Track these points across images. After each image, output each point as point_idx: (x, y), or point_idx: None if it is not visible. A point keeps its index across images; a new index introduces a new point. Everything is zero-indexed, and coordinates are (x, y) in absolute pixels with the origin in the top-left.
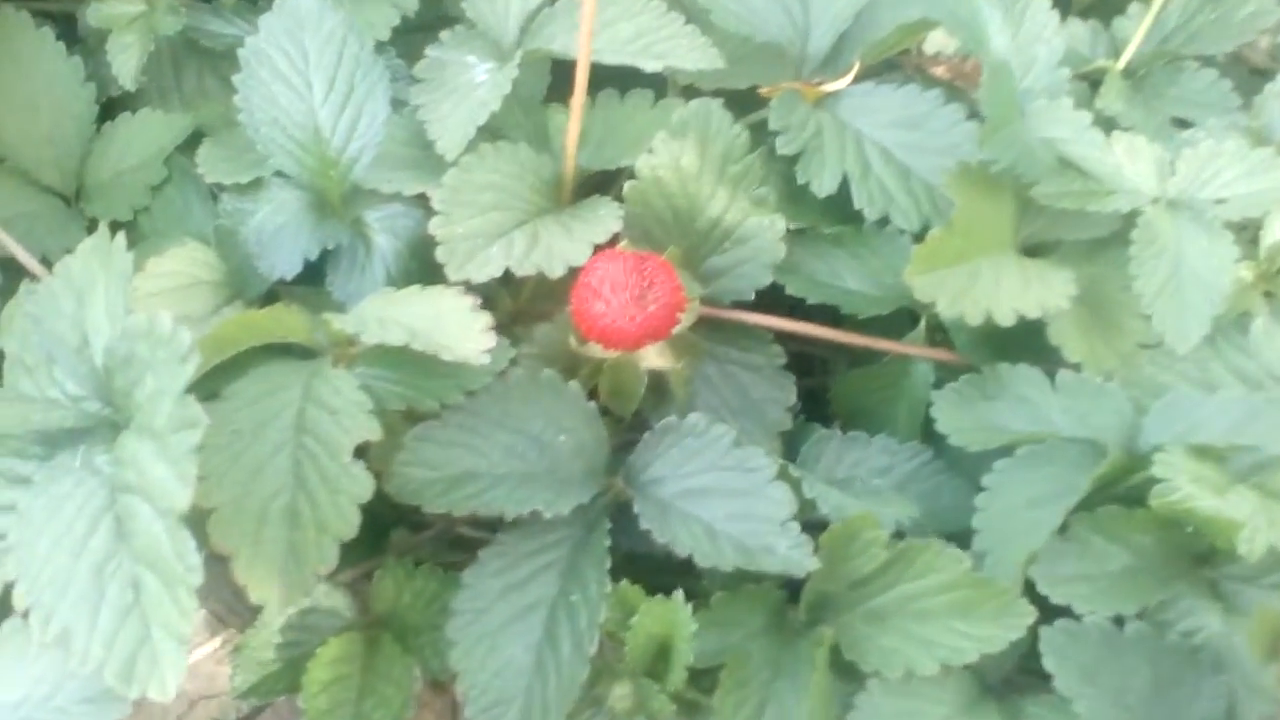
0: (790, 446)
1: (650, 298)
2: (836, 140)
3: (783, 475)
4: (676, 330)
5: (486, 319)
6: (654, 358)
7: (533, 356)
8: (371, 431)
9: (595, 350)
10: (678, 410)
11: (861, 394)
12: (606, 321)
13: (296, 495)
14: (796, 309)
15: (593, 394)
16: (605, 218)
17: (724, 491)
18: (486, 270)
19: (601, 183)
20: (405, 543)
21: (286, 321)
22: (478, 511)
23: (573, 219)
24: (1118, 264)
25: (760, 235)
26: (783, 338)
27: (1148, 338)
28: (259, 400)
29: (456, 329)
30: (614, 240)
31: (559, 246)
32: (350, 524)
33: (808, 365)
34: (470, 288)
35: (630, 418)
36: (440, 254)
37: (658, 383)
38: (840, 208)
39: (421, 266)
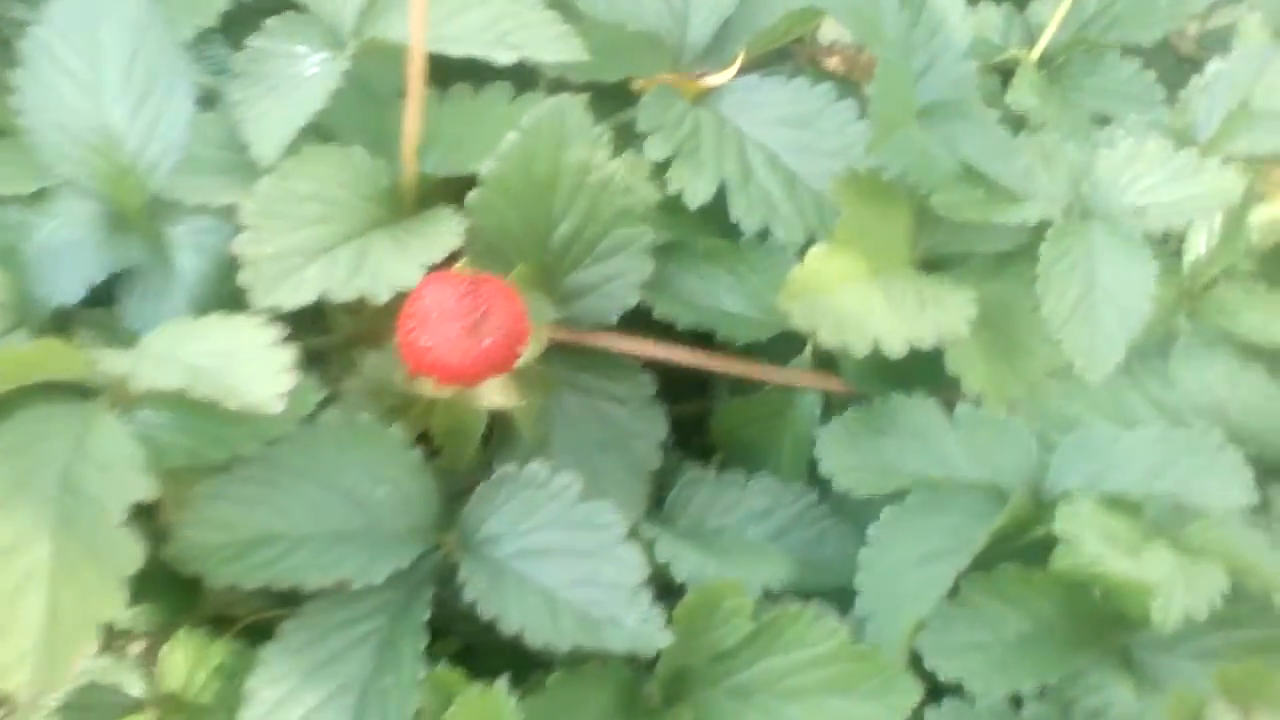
0: (665, 484)
1: (485, 329)
2: (715, 141)
3: (635, 534)
4: (521, 363)
5: (286, 357)
6: (494, 394)
7: (359, 392)
8: (145, 490)
9: (426, 387)
10: (525, 452)
11: (743, 426)
12: (435, 356)
13: (56, 567)
14: (672, 330)
15: (426, 436)
16: (444, 232)
17: (567, 552)
18: (299, 295)
19: (458, 192)
20: (222, 598)
21: (59, 358)
22: (272, 583)
23: (409, 234)
24: (1025, 281)
25: (625, 250)
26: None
27: (1057, 365)
28: (20, 452)
29: (250, 368)
30: (455, 258)
31: (388, 267)
32: (114, 601)
33: (692, 387)
34: (299, 310)
35: (472, 463)
36: (244, 276)
37: (505, 421)
38: (719, 218)
39: (235, 291)
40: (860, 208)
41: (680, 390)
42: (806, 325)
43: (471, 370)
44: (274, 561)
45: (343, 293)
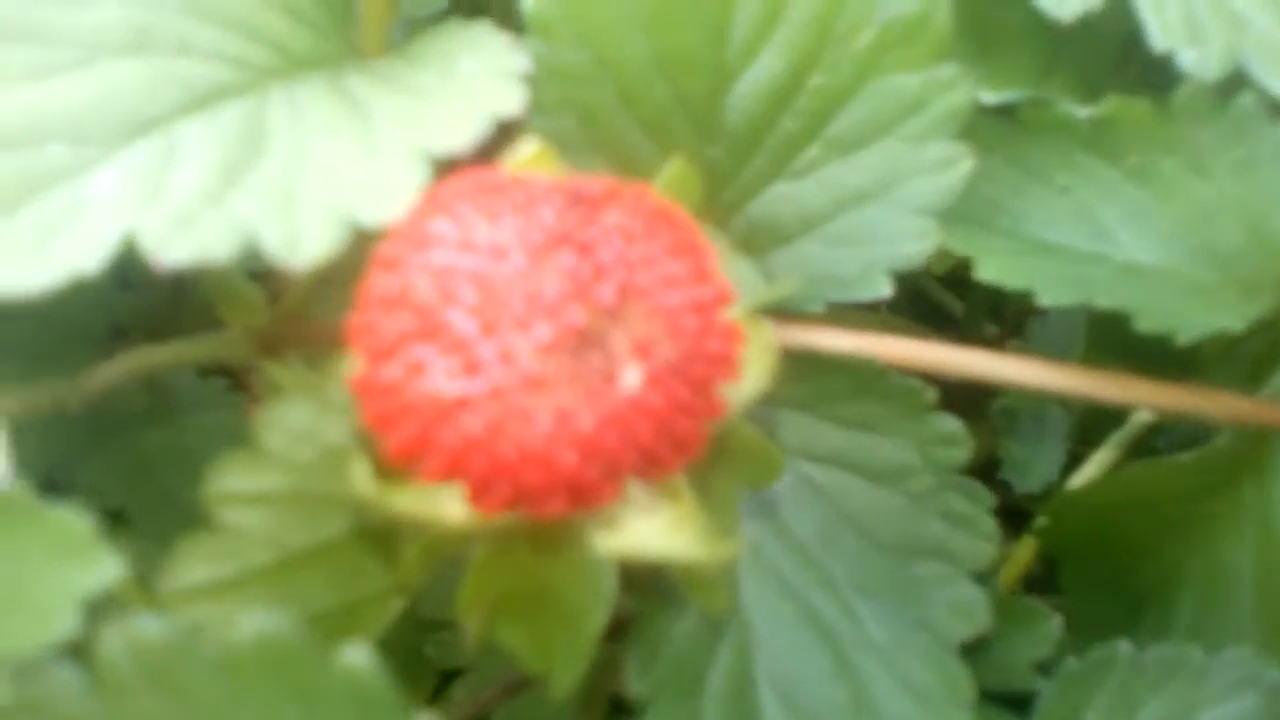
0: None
1: (622, 339)
2: None
3: None
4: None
5: None
6: (647, 527)
7: (270, 504)
8: None
9: (446, 505)
10: (692, 637)
11: (1127, 526)
12: (481, 430)
13: None
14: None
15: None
16: (476, 79)
17: None
18: (61, 253)
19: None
20: None
21: None
22: None
23: (383, 85)
24: None
25: (903, 125)
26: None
27: None
28: None
29: None
30: (502, 142)
31: (321, 163)
32: None
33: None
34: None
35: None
36: None
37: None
38: (1097, 57)
39: None
40: None
41: None
42: None
43: (586, 473)
44: None
45: (185, 245)
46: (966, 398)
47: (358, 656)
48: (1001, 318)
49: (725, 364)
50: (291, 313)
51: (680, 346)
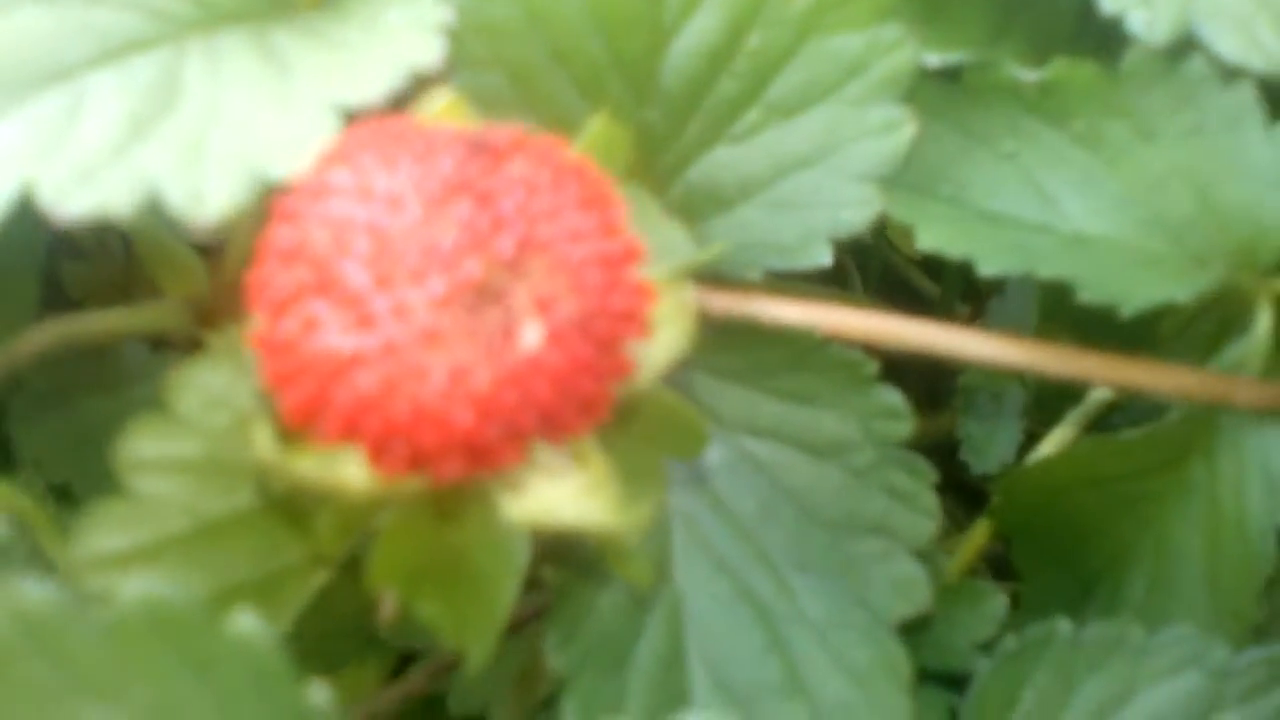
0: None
1: (525, 294)
2: None
3: None
4: (630, 392)
5: None
6: (553, 493)
7: (183, 471)
8: None
9: (345, 470)
10: (616, 615)
11: (1078, 504)
12: (375, 385)
13: None
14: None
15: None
16: (397, 32)
17: None
18: None
19: None
20: None
21: None
22: None
23: (305, 37)
24: None
25: (845, 88)
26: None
27: None
28: None
29: None
30: (418, 95)
31: (237, 119)
32: None
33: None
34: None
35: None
36: None
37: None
38: (1052, 23)
39: None
40: None
41: None
42: None
43: (489, 428)
44: None
45: (84, 198)
46: (931, 380)
47: (249, 624)
48: (975, 299)
49: (632, 322)
50: (231, 282)
51: (584, 303)
